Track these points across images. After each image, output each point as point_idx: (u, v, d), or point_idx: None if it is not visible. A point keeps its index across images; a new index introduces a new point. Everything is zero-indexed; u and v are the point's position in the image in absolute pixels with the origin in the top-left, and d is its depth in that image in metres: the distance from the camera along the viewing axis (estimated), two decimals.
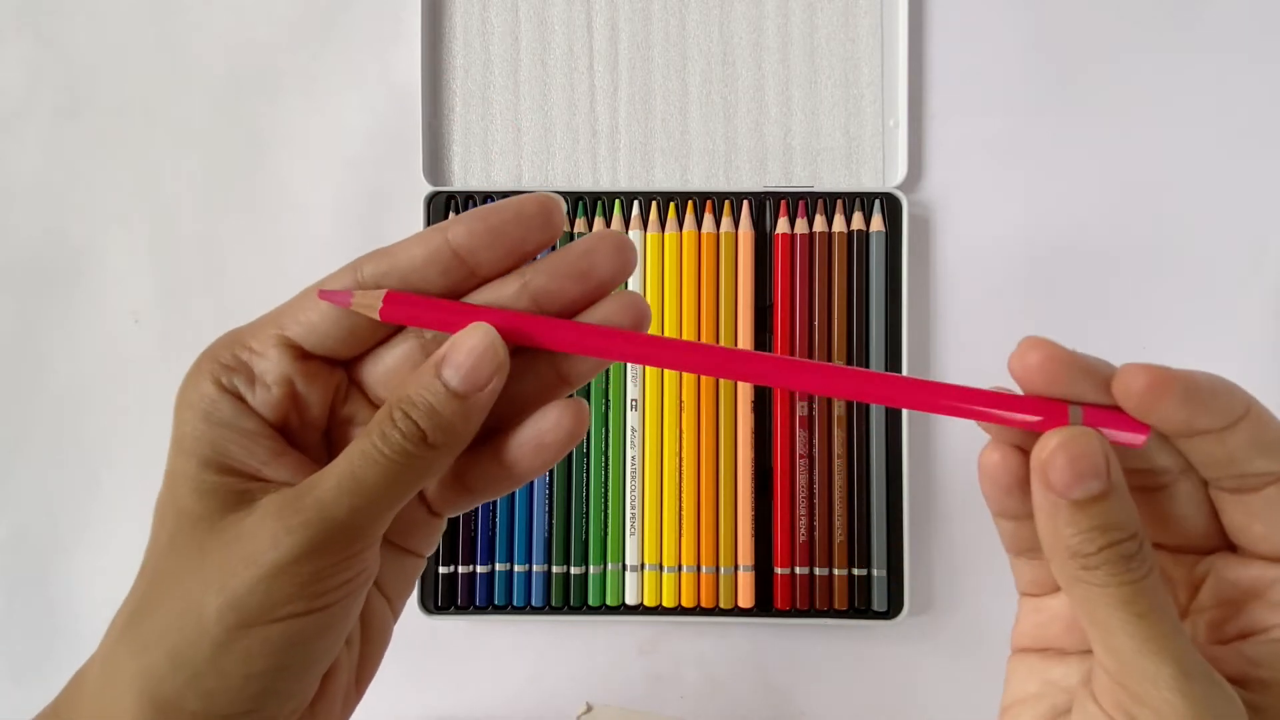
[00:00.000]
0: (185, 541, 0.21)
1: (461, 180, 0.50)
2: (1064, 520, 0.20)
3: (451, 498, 0.25)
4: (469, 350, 0.21)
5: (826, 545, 0.47)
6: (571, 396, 0.24)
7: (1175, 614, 0.20)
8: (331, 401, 0.24)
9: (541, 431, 0.23)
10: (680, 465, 0.48)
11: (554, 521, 0.48)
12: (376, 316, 0.22)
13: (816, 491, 0.47)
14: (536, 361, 0.23)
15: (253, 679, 0.21)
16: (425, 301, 0.22)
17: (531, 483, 0.48)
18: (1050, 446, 0.20)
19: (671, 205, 0.49)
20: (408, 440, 0.21)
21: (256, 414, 0.22)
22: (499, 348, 0.22)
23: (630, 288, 0.48)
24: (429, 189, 0.49)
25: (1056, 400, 0.21)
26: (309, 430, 0.23)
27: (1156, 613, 0.19)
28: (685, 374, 0.48)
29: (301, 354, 0.23)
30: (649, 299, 0.48)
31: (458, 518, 0.48)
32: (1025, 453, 0.21)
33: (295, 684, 0.22)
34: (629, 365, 0.48)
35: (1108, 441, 0.20)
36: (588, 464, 0.48)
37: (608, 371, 0.48)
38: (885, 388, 0.22)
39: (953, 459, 0.49)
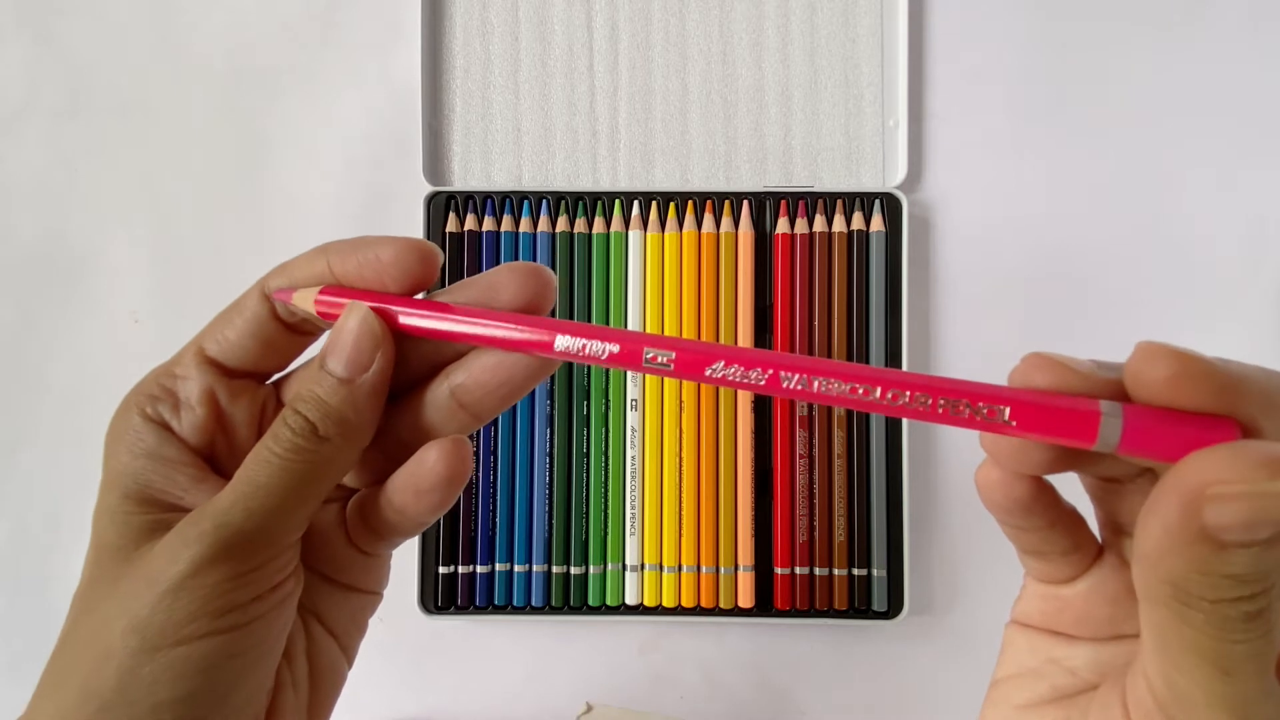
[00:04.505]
0: (102, 574, 0.21)
1: (461, 180, 0.50)
2: (1189, 556, 0.15)
3: (366, 537, 0.24)
4: (346, 333, 0.21)
5: (826, 545, 0.47)
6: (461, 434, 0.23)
7: (1272, 670, 0.16)
8: (259, 423, 0.23)
9: (417, 477, 0.22)
10: (680, 465, 0.48)
11: (554, 521, 0.48)
12: (312, 310, 0.22)
13: (816, 492, 0.47)
14: (435, 393, 0.22)
15: (162, 708, 0.19)
16: (352, 295, 0.22)
17: (531, 482, 0.48)
18: (1228, 477, 0.14)
19: (671, 205, 0.49)
20: (298, 435, 0.21)
21: (180, 441, 0.22)
22: (374, 323, 0.21)
23: (630, 288, 0.48)
24: (429, 189, 0.49)
25: (1081, 400, 0.16)
26: (238, 455, 0.22)
27: (1249, 673, 0.15)
28: None
29: (224, 371, 0.23)
30: (649, 299, 0.48)
31: (458, 517, 0.47)
32: (1029, 477, 0.19)
33: (210, 715, 0.20)
34: None
35: None
36: (588, 464, 0.48)
37: (607, 371, 0.48)
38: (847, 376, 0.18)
39: (953, 459, 0.49)
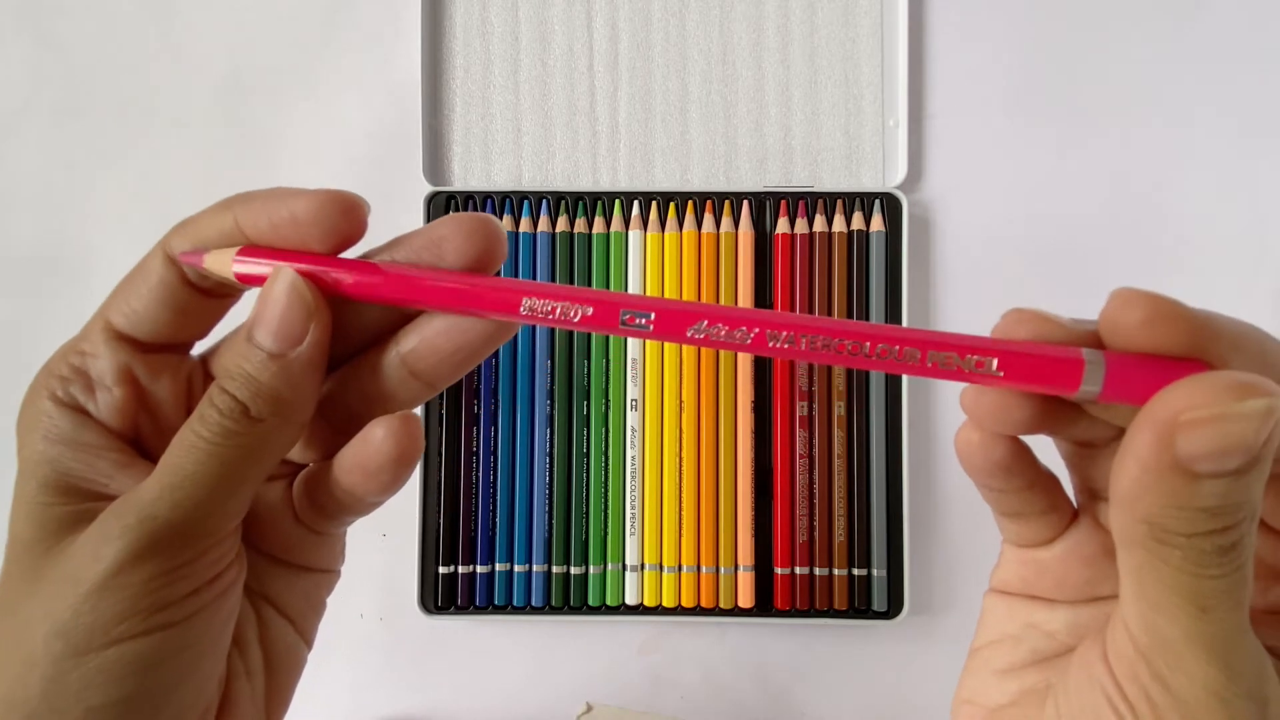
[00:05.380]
0: (20, 571, 0.19)
1: (462, 180, 0.50)
2: (1164, 490, 0.15)
3: (312, 515, 0.22)
4: (273, 302, 0.19)
5: (826, 545, 0.47)
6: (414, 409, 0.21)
7: (1246, 606, 0.16)
8: (187, 400, 0.21)
9: (364, 456, 0.20)
10: (680, 465, 0.48)
11: (554, 521, 0.48)
12: (230, 275, 0.20)
13: (816, 491, 0.47)
14: (385, 360, 0.21)
15: (94, 714, 0.18)
16: (277, 255, 0.19)
17: (531, 482, 0.48)
18: (1198, 402, 0.15)
19: (671, 205, 0.49)
20: (227, 417, 0.19)
21: (99, 424, 0.20)
22: (303, 290, 0.19)
23: (630, 288, 0.48)
24: (429, 189, 0.49)
25: (1065, 349, 0.17)
26: (166, 436, 0.20)
27: (1225, 609, 0.16)
28: (685, 374, 0.48)
29: (139, 346, 0.21)
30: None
31: (457, 517, 0.47)
32: (1008, 438, 0.19)
33: (154, 717, 0.19)
34: (628, 365, 0.48)
35: (1277, 399, 0.15)
36: (588, 464, 0.48)
37: (607, 371, 0.48)
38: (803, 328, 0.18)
39: (953, 458, 0.49)
